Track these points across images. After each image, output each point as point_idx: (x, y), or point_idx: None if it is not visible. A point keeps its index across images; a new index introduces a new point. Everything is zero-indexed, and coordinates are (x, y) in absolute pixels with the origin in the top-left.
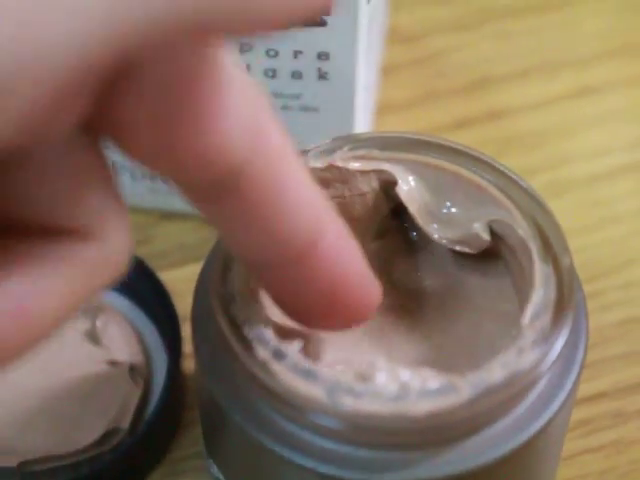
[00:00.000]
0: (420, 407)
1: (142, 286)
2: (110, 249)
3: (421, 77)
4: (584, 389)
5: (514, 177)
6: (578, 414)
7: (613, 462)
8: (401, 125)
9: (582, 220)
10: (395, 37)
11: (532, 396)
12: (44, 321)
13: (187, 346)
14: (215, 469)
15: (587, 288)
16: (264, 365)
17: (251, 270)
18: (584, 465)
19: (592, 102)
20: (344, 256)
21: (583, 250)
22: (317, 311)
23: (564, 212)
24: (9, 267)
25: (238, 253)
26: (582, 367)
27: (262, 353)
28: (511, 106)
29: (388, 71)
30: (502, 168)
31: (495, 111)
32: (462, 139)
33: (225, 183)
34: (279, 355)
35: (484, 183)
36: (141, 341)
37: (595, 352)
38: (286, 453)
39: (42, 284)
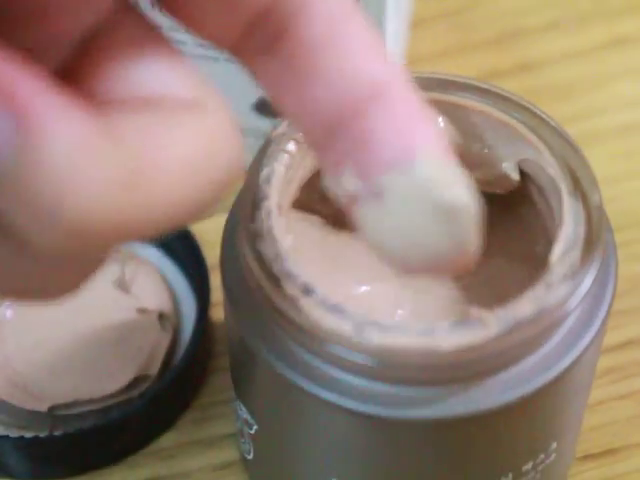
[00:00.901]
0: (448, 342)
1: (171, 236)
2: (217, 117)
3: (451, 29)
4: (612, 337)
5: (543, 116)
6: (606, 362)
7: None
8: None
9: (613, 170)
10: None
11: (560, 333)
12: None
13: (214, 295)
14: (243, 410)
15: (617, 238)
16: (292, 301)
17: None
18: (612, 411)
19: (623, 53)
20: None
21: (613, 200)
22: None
23: (595, 162)
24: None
25: (293, 116)
26: (610, 307)
27: (290, 289)
28: (542, 57)
29: (417, 24)
30: (531, 107)
31: (526, 62)
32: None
33: (273, 21)
34: (307, 291)
35: (513, 122)
36: (169, 289)
37: (624, 301)
38: (313, 389)
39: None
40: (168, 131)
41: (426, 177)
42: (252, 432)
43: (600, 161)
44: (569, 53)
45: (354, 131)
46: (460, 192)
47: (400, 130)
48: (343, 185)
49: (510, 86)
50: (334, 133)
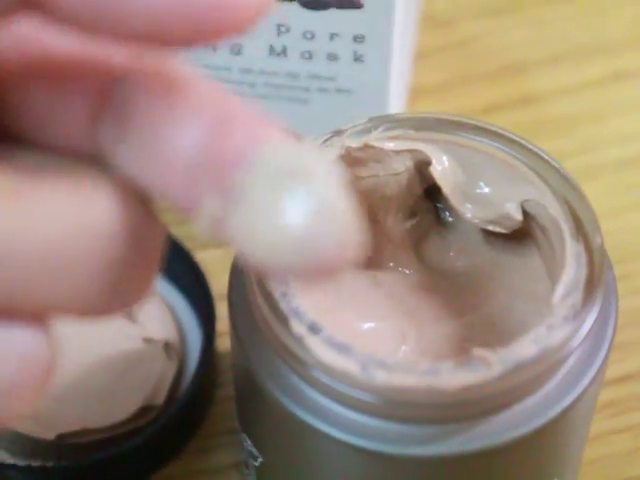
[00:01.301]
0: (452, 381)
1: (177, 266)
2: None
3: (454, 62)
4: (612, 371)
5: (546, 157)
6: (606, 395)
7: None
8: (434, 109)
9: (612, 204)
10: (428, 22)
11: (562, 373)
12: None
13: (219, 325)
14: (248, 443)
15: (616, 271)
16: (299, 339)
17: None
18: (611, 445)
19: (623, 88)
20: None
21: (613, 234)
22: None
23: (595, 196)
24: None
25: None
26: (611, 345)
27: (297, 327)
28: (543, 91)
29: (421, 55)
30: (534, 148)
31: (527, 96)
32: (494, 123)
33: None
34: (314, 329)
35: (516, 163)
36: (176, 319)
37: (623, 334)
38: (319, 426)
39: None
40: None
41: (272, 166)
42: (257, 464)
43: (600, 195)
44: (570, 87)
45: (210, 163)
46: (309, 171)
47: (242, 135)
48: (207, 210)
49: (511, 119)
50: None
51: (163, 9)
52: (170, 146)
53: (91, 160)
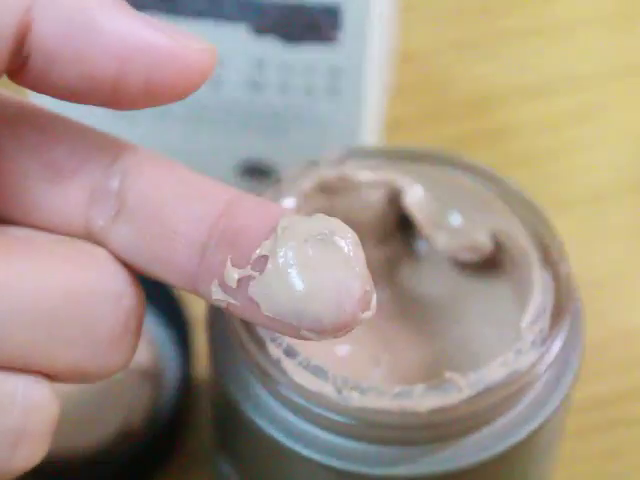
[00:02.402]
0: (423, 404)
1: (154, 291)
2: None
3: (426, 95)
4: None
5: (515, 188)
6: (574, 420)
7: (607, 468)
8: (407, 141)
9: (582, 235)
10: (401, 56)
11: (530, 396)
12: None
13: (196, 347)
14: (225, 466)
15: (584, 299)
16: (276, 362)
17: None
18: (579, 468)
19: (594, 120)
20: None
21: (581, 263)
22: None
23: (564, 227)
24: None
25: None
26: (578, 370)
27: (274, 351)
28: (514, 124)
29: (395, 89)
30: (503, 179)
31: (498, 129)
32: (465, 155)
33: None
34: (290, 353)
35: (486, 194)
36: (152, 344)
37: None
38: (295, 447)
39: None
40: None
41: (298, 233)
42: None
43: (570, 226)
44: (539, 120)
45: (224, 239)
46: (327, 233)
47: (257, 214)
48: (226, 281)
49: (482, 151)
50: (202, 256)
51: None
52: (176, 227)
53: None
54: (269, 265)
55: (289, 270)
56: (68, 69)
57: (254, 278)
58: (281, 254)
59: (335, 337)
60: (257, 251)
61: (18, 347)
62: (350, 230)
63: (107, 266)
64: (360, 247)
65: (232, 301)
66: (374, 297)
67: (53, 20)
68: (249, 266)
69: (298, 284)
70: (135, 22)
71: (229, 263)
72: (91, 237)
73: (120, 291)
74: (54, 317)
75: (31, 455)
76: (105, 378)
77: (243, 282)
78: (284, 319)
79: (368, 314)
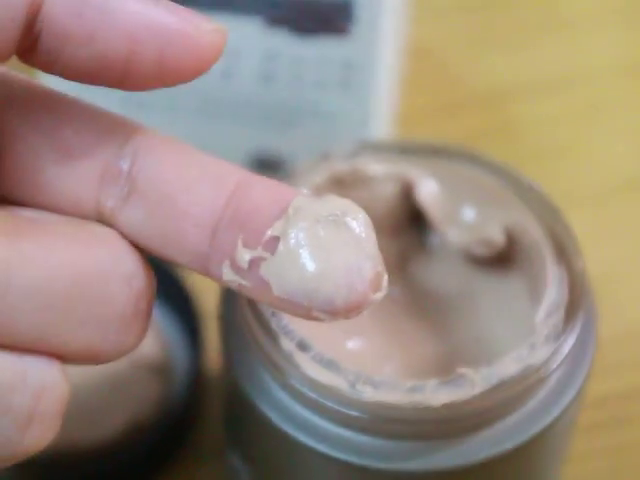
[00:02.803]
0: (436, 398)
1: (165, 284)
2: None
3: (438, 89)
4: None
5: (528, 182)
6: (587, 415)
7: (620, 464)
8: (418, 135)
9: (594, 231)
10: (413, 49)
11: (543, 392)
12: None
13: (207, 342)
14: (236, 460)
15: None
16: (289, 356)
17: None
18: (590, 465)
19: (606, 117)
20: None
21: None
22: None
23: (576, 223)
24: None
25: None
26: (592, 365)
27: (287, 344)
28: (527, 118)
29: (406, 82)
30: (517, 174)
31: (511, 123)
32: (476, 149)
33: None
34: (303, 346)
35: (500, 188)
36: (163, 338)
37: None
38: (307, 441)
39: None
40: None
41: (310, 214)
42: None
43: (582, 221)
44: (554, 115)
45: (235, 220)
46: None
47: (269, 195)
48: (238, 262)
49: (495, 145)
50: (212, 237)
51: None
52: (187, 209)
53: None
54: (280, 246)
55: (300, 251)
56: (79, 49)
57: (265, 259)
58: (292, 235)
59: (346, 318)
60: (268, 232)
61: (29, 328)
62: (362, 211)
63: (117, 247)
64: (372, 228)
65: (243, 282)
66: (385, 278)
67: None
68: (260, 247)
69: (309, 265)
70: (146, 2)
71: (240, 244)
72: (101, 218)
73: (130, 272)
74: (64, 298)
75: (42, 436)
76: (116, 359)
77: (254, 263)
78: (295, 299)
79: (379, 295)
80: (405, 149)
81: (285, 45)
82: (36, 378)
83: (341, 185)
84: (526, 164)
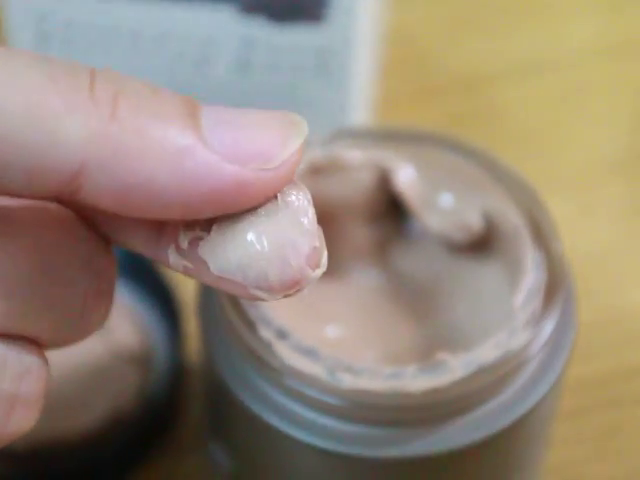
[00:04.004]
0: (416, 384)
1: (143, 274)
2: None
3: (415, 75)
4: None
5: (506, 167)
6: (569, 401)
7: (602, 448)
8: (396, 121)
9: (572, 214)
10: (391, 36)
11: (523, 377)
12: None
13: (187, 328)
14: (217, 451)
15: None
16: (267, 344)
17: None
18: (573, 451)
19: (583, 100)
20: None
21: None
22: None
23: (555, 206)
24: None
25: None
26: (572, 351)
27: (265, 333)
28: (504, 103)
29: (384, 69)
30: (495, 159)
31: (488, 108)
32: (456, 135)
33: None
34: (282, 334)
35: (477, 173)
36: (142, 328)
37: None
38: (287, 429)
39: None
40: None
41: None
42: (226, 471)
43: (560, 205)
44: (531, 99)
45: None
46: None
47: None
48: (180, 243)
49: (473, 131)
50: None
51: (190, 197)
52: None
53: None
54: (215, 224)
55: (234, 227)
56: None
57: (202, 238)
58: (227, 212)
59: (285, 296)
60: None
61: None
62: (301, 187)
63: (74, 229)
64: (310, 204)
65: (186, 263)
66: (325, 254)
67: (106, 188)
68: (198, 227)
69: (242, 241)
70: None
71: (182, 227)
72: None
73: (88, 255)
74: (27, 283)
75: (24, 420)
76: (82, 340)
77: (193, 243)
78: (231, 277)
79: (318, 272)
80: (382, 136)
81: (261, 32)
82: (15, 362)
83: (318, 173)
84: (507, 148)
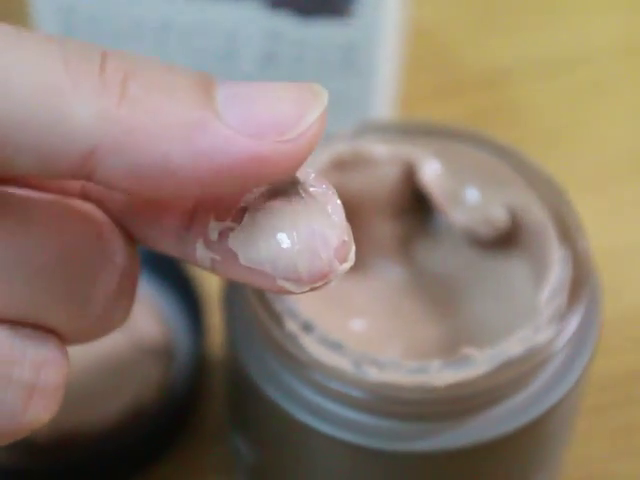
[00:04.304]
0: (441, 379)
1: (166, 267)
2: None
3: (439, 71)
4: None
5: (531, 163)
6: (590, 396)
7: (622, 445)
8: (420, 116)
9: (596, 211)
10: (415, 32)
11: (547, 372)
12: None
13: (209, 323)
14: (239, 443)
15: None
16: (293, 338)
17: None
18: (592, 446)
19: (607, 97)
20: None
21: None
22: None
23: (579, 203)
24: None
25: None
26: (596, 346)
27: (291, 326)
28: (527, 99)
29: (408, 63)
30: (521, 155)
31: (513, 104)
32: (481, 130)
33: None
34: (308, 328)
35: (503, 169)
36: (164, 320)
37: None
38: (312, 422)
39: None
40: None
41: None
42: (248, 463)
43: (585, 201)
44: (556, 95)
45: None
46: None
47: None
48: (209, 236)
49: (498, 126)
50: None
51: (206, 174)
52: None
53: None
54: (246, 215)
55: (265, 219)
56: (135, 193)
57: (233, 229)
58: (258, 203)
59: (312, 289)
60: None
61: (14, 302)
62: (327, 181)
63: (99, 225)
64: (337, 197)
65: (215, 256)
66: (353, 249)
67: (120, 168)
68: (229, 219)
69: (273, 232)
70: (222, 137)
71: (212, 218)
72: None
73: (111, 251)
74: (49, 273)
75: (42, 410)
76: (103, 337)
77: (223, 234)
78: (260, 268)
79: (346, 265)
80: (408, 130)
81: (287, 26)
82: (35, 351)
83: (343, 166)
84: (528, 145)
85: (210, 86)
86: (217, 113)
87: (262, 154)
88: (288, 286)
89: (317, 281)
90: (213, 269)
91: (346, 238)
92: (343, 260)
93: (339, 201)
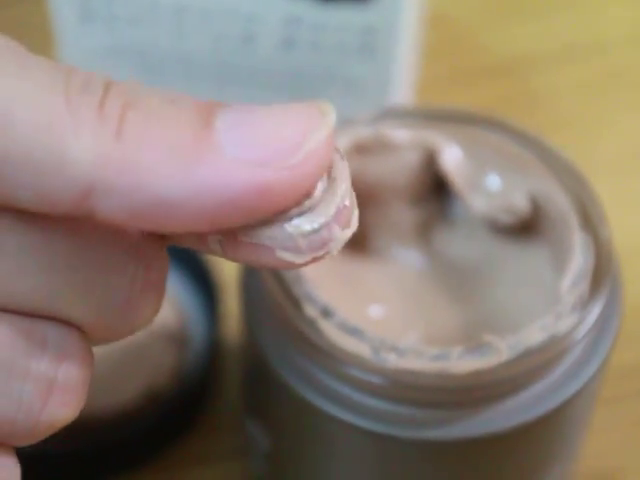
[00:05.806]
0: (461, 366)
1: (181, 253)
2: None
3: (458, 57)
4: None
5: (554, 149)
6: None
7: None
8: (438, 102)
9: (615, 199)
10: (433, 16)
11: (568, 361)
12: None
13: (224, 309)
14: (255, 429)
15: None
16: (312, 323)
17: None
18: (609, 435)
19: (628, 85)
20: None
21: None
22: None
23: (601, 192)
24: None
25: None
26: (617, 335)
27: (310, 311)
28: (549, 86)
29: (426, 50)
30: (543, 142)
31: (534, 90)
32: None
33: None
34: (327, 313)
35: (524, 155)
36: (179, 306)
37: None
38: (330, 409)
39: None
40: None
41: None
42: (264, 450)
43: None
44: (571, 84)
45: None
46: None
47: None
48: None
49: (518, 113)
50: None
51: (209, 209)
52: None
53: None
54: None
55: None
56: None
57: None
58: None
59: (315, 258)
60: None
61: (36, 293)
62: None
63: None
64: (342, 158)
65: (219, 236)
66: (355, 213)
67: (116, 207)
68: None
69: None
70: (220, 173)
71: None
72: None
73: (135, 243)
74: (68, 263)
75: (63, 408)
76: (130, 334)
77: None
78: (259, 241)
79: (347, 232)
80: (429, 115)
81: (306, 11)
82: (56, 343)
83: (363, 152)
84: (548, 131)
85: (211, 116)
86: (216, 144)
87: (265, 183)
88: (288, 257)
89: (318, 249)
90: (224, 253)
91: (347, 203)
92: (345, 226)
93: (343, 163)
